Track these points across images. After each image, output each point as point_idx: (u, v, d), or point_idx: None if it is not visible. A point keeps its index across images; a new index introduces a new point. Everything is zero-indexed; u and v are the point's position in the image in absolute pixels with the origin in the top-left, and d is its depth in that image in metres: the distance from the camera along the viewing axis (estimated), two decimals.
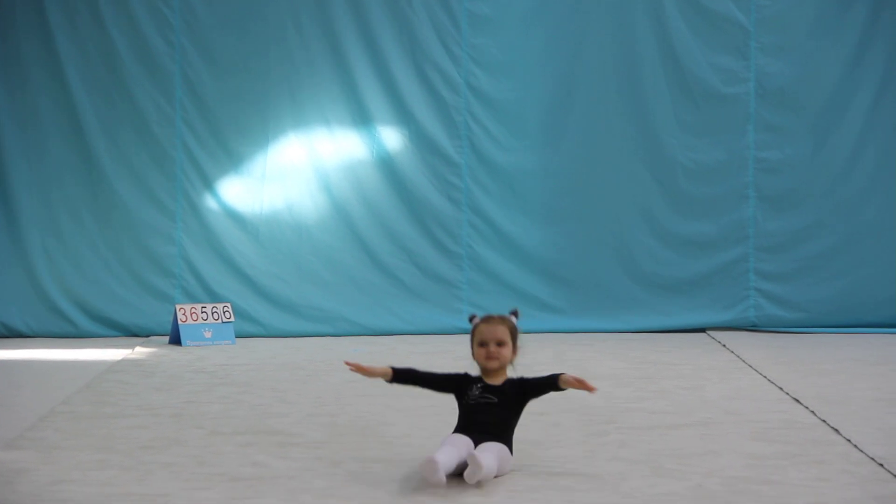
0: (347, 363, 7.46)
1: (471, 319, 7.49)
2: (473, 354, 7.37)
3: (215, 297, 14.37)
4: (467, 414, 7.27)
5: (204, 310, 13.70)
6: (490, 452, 6.97)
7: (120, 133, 14.45)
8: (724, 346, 13.21)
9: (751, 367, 11.61)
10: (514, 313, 7.48)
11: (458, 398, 7.37)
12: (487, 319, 7.39)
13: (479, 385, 7.30)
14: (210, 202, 14.58)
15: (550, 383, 7.30)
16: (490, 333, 7.32)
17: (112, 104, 14.43)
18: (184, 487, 6.93)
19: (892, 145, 14.57)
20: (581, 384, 7.12)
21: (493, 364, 7.28)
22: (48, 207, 14.44)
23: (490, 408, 7.21)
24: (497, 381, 7.34)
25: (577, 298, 14.68)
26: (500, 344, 7.29)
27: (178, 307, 13.61)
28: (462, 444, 7.03)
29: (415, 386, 7.54)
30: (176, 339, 13.56)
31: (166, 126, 14.49)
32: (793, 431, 8.47)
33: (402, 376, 7.49)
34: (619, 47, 14.57)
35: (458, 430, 7.25)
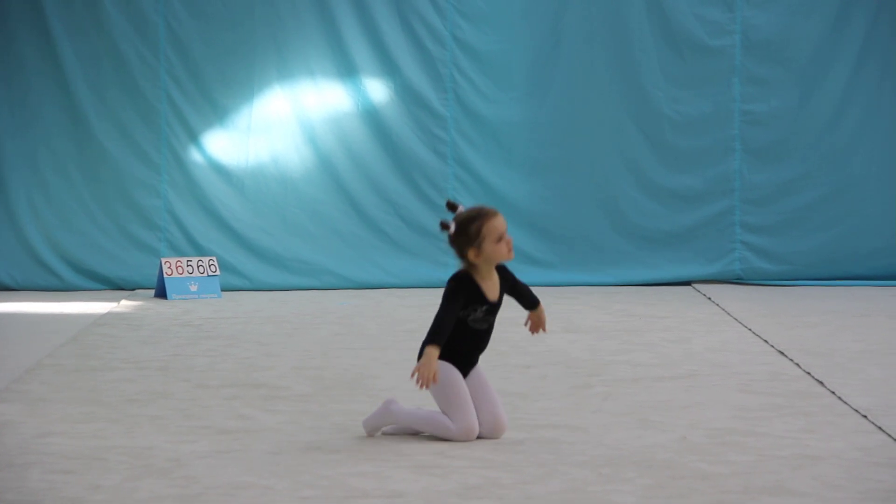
0: (421, 385, 6.81)
1: (445, 226, 6.94)
2: (481, 253, 6.83)
3: (201, 251, 14.35)
4: (469, 340, 6.97)
5: (189, 263, 13.69)
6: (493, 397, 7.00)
7: (105, 85, 14.38)
8: (709, 298, 13.24)
9: (736, 319, 11.64)
10: (452, 207, 7.01)
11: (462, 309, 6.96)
12: (491, 213, 6.90)
13: (483, 308, 6.91)
14: (195, 155, 14.54)
15: (529, 302, 7.22)
16: (504, 225, 6.90)
17: (96, 56, 14.36)
18: (170, 440, 6.94)
19: (877, 97, 14.56)
20: (540, 324, 7.18)
21: (512, 255, 6.94)
22: (33, 161, 14.39)
23: (489, 332, 7.02)
24: (495, 291, 6.96)
25: (563, 251, 14.68)
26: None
27: (163, 260, 13.59)
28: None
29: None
30: (161, 293, 13.55)
31: (151, 79, 14.43)
32: (778, 383, 8.50)
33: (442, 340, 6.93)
34: None
35: (453, 356, 6.94)
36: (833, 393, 8.12)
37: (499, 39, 14.60)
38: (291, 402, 7.98)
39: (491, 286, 6.96)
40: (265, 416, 7.59)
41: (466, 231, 6.88)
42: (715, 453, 6.59)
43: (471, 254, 6.88)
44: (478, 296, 6.92)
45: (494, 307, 6.98)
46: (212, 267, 13.80)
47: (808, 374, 8.81)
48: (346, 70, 14.57)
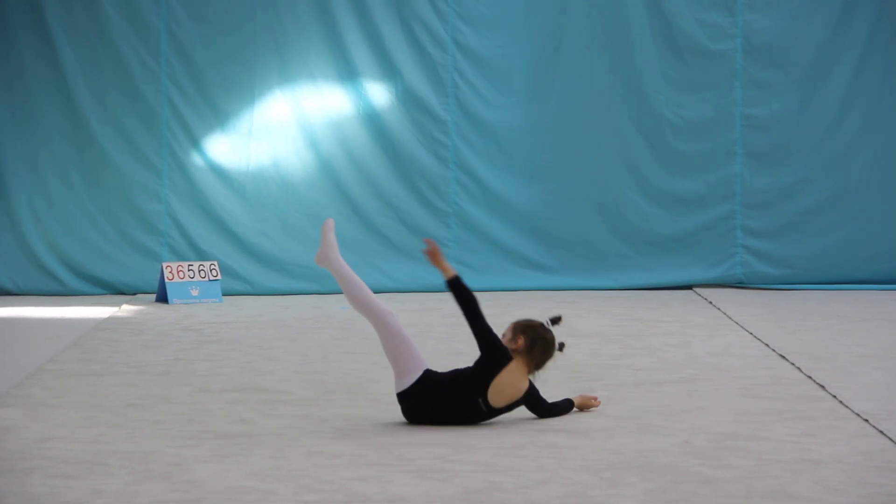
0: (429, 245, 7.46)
1: (556, 321, 7.49)
2: (530, 366, 7.38)
3: (202, 255, 14.34)
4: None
5: (191, 268, 13.68)
6: None
7: (105, 89, 14.37)
8: (710, 302, 13.24)
9: (737, 323, 11.64)
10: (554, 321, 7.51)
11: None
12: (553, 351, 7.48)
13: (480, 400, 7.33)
14: (196, 159, 14.54)
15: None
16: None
17: (97, 60, 14.35)
18: (171, 445, 6.94)
19: (878, 101, 14.56)
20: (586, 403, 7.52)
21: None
22: (34, 165, 14.38)
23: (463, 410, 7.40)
24: (505, 396, 7.40)
25: (564, 256, 14.68)
26: None
27: (164, 265, 13.59)
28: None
29: (464, 309, 7.32)
30: (163, 297, 13.54)
31: (152, 83, 14.42)
32: (779, 388, 8.50)
33: (460, 290, 7.29)
34: (606, 3, 14.52)
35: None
36: (834, 397, 8.12)
37: (500, 44, 14.59)
38: (292, 407, 7.98)
39: (508, 387, 7.28)
40: (266, 420, 7.59)
41: (541, 351, 7.38)
42: (716, 457, 6.58)
43: (520, 358, 7.34)
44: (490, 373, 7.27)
45: (490, 410, 7.29)
46: (213, 271, 13.80)
47: (810, 378, 8.81)
48: (348, 74, 14.57)
